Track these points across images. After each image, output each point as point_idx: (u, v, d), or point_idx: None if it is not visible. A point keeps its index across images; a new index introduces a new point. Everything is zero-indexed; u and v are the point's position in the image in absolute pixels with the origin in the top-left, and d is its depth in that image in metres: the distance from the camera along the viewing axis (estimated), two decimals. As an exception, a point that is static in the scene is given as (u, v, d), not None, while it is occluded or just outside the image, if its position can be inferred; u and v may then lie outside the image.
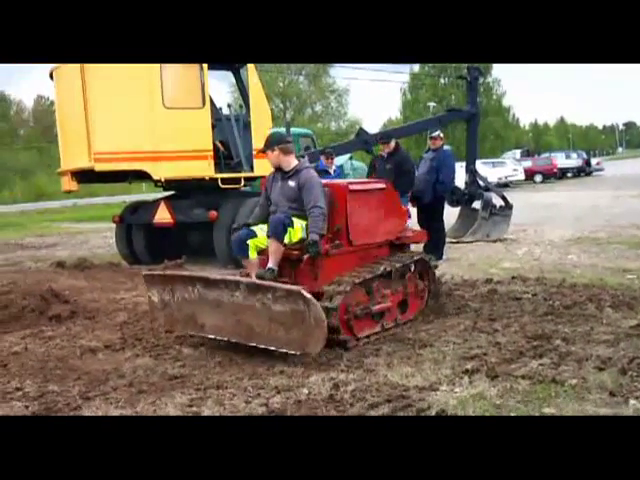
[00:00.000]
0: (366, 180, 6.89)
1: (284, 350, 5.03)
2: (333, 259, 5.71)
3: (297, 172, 5.87)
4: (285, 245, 5.66)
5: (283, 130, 13.04)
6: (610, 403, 3.94)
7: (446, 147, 10.98)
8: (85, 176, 10.88)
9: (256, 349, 5.25)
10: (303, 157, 6.83)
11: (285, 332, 4.94)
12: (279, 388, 4.48)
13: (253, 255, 5.84)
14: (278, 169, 6.03)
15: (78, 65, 9.75)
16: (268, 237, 5.66)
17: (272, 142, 5.99)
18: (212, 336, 5.56)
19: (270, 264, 5.61)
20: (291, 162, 5.95)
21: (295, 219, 5.74)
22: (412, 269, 6.29)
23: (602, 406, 3.89)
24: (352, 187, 6.05)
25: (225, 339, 5.43)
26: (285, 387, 4.49)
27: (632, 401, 3.94)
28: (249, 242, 5.82)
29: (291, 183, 5.87)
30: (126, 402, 4.33)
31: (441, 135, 10.71)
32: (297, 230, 5.72)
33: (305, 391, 4.39)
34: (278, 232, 5.58)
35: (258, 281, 5.32)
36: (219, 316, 5.39)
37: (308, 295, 4.80)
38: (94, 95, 9.89)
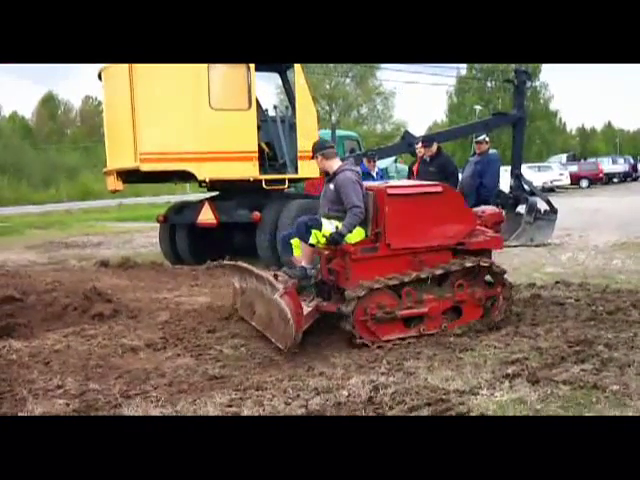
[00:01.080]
0: (417, 183, 6.75)
1: (278, 344, 5.41)
2: (365, 262, 5.79)
3: (335, 175, 6.13)
4: (313, 245, 5.93)
5: (329, 132, 13.02)
6: (652, 409, 3.90)
7: (492, 151, 10.83)
8: (131, 176, 10.97)
9: (298, 349, 5.38)
10: (346, 159, 6.92)
11: (283, 327, 5.26)
12: (319, 390, 4.45)
13: (297, 253, 6.23)
14: (327, 173, 6.36)
15: (126, 65, 9.86)
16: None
17: (315, 149, 6.39)
18: (254, 324, 6.02)
19: (303, 263, 6.05)
20: (333, 166, 6.24)
21: (326, 220, 5.98)
22: (464, 276, 5.96)
23: (643, 412, 3.86)
24: (390, 191, 5.96)
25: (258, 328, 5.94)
26: (325, 389, 4.47)
27: (673, 407, 3.90)
28: (292, 241, 6.22)
29: (331, 186, 6.16)
30: (166, 401, 4.33)
31: (487, 139, 10.57)
32: (325, 232, 5.87)
33: (345, 393, 4.36)
34: (301, 233, 5.93)
35: (271, 278, 5.71)
36: (261, 307, 5.92)
37: (276, 296, 5.25)
38: (141, 95, 9.98)
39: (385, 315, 5.62)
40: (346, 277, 5.80)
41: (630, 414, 3.82)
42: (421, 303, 5.77)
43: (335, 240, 5.80)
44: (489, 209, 6.95)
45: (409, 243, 5.91)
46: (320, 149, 6.34)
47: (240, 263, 6.81)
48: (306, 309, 5.62)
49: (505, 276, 6.16)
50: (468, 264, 5.91)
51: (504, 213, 12.31)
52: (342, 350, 5.47)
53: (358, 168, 6.47)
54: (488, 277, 6.17)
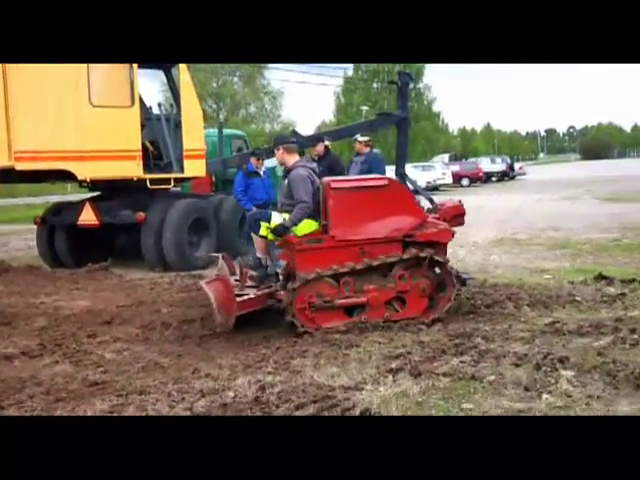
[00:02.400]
0: (362, 177, 6.82)
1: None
2: (310, 253, 5.99)
3: (289, 171, 6.41)
4: (264, 237, 6.29)
5: (216, 131, 12.88)
6: (524, 398, 4.11)
7: (376, 150, 10.99)
8: (5, 176, 10.44)
9: (184, 352, 5.47)
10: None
11: (212, 311, 5.86)
12: (204, 392, 4.41)
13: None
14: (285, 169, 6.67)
15: (-3, 59, 9.38)
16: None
17: (278, 142, 6.69)
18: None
19: (257, 254, 6.47)
20: (290, 161, 6.49)
21: (277, 213, 6.29)
22: (407, 267, 6.03)
23: (517, 401, 4.05)
24: (334, 184, 6.12)
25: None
26: (211, 390, 4.43)
27: (545, 395, 4.12)
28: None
29: (286, 181, 6.42)
30: (42, 410, 4.16)
31: (365, 139, 10.60)
32: (273, 224, 6.14)
33: (231, 394, 4.34)
34: (251, 226, 6.39)
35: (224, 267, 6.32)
36: None
37: (202, 283, 6.14)
38: (16, 91, 9.50)
39: (324, 304, 5.85)
40: (293, 267, 6.04)
41: (504, 402, 4.02)
42: (361, 293, 5.93)
43: (279, 232, 6.08)
44: (450, 202, 6.93)
45: (353, 235, 6.01)
46: (283, 142, 6.62)
47: (224, 254, 7.02)
48: (250, 295, 6.08)
49: (453, 272, 6.21)
50: (406, 256, 5.99)
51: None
52: (229, 351, 5.45)
53: (314, 165, 6.66)
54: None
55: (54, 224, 11.28)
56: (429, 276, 6.11)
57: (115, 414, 4.04)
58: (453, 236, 6.28)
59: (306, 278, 5.84)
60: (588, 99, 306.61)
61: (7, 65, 9.35)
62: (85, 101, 9.84)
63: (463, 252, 10.74)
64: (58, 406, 4.24)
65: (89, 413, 4.06)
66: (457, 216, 6.62)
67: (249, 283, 6.58)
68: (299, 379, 4.59)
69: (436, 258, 6.07)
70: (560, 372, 4.50)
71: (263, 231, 6.24)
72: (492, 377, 4.46)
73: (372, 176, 7.11)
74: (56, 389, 4.61)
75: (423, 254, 5.99)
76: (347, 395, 4.24)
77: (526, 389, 4.23)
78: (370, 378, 4.56)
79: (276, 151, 6.63)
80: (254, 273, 6.50)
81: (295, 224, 6.07)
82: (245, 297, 6.14)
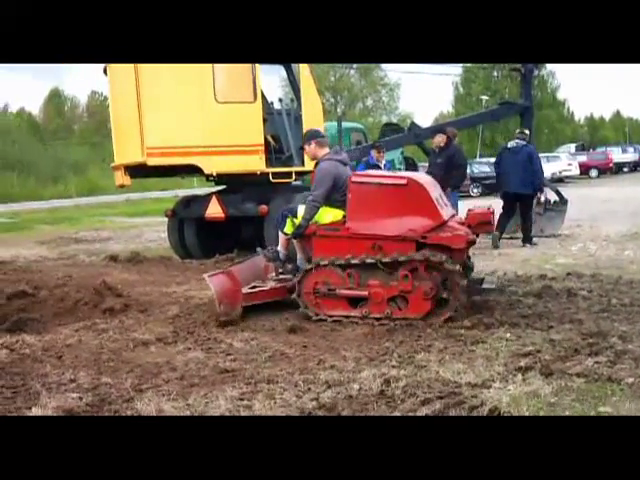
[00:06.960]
0: (384, 174, 6.89)
1: None
2: (327, 240, 6.31)
3: (317, 164, 6.59)
4: (286, 234, 6.64)
5: (335, 124, 13.02)
6: (672, 404, 3.79)
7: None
8: (138, 171, 11.00)
9: (309, 343, 5.51)
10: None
11: None
12: (330, 383, 4.43)
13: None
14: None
15: (132, 60, 9.88)
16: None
17: (309, 136, 6.83)
18: None
19: (278, 247, 6.83)
20: (320, 154, 6.65)
21: (302, 206, 6.51)
22: (412, 268, 5.93)
23: (660, 405, 3.77)
24: (355, 178, 6.34)
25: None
26: (336, 382, 4.44)
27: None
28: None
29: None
30: (178, 395, 4.33)
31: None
32: (298, 219, 6.47)
33: (356, 386, 4.33)
34: (278, 222, 6.73)
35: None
36: None
37: (205, 275, 6.51)
38: (146, 90, 9.99)
39: (327, 291, 6.14)
40: (312, 253, 6.42)
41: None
42: (365, 286, 6.07)
43: (296, 235, 6.49)
44: (478, 208, 6.68)
45: (367, 229, 6.14)
46: (315, 137, 6.76)
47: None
48: (263, 287, 6.64)
49: (459, 278, 5.91)
50: (417, 257, 5.95)
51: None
52: (352, 343, 5.46)
53: (343, 155, 6.76)
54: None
55: (183, 217, 11.74)
56: (434, 279, 5.92)
57: (245, 401, 4.15)
58: (469, 243, 6.13)
59: (317, 262, 6.19)
60: None
61: (139, 65, 9.84)
62: (210, 98, 10.21)
63: (594, 247, 10.30)
64: (192, 391, 4.40)
65: (220, 399, 4.19)
66: (483, 223, 6.41)
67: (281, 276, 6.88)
68: (424, 374, 4.52)
69: (445, 266, 5.86)
70: None
71: (288, 229, 6.55)
72: (631, 380, 4.19)
73: (393, 174, 7.14)
74: (189, 375, 4.80)
75: (425, 258, 5.90)
76: (474, 392, 4.10)
77: (671, 394, 3.89)
78: (498, 376, 4.39)
79: (307, 146, 6.78)
80: (288, 267, 6.78)
81: (308, 221, 6.35)
82: (257, 289, 6.62)
